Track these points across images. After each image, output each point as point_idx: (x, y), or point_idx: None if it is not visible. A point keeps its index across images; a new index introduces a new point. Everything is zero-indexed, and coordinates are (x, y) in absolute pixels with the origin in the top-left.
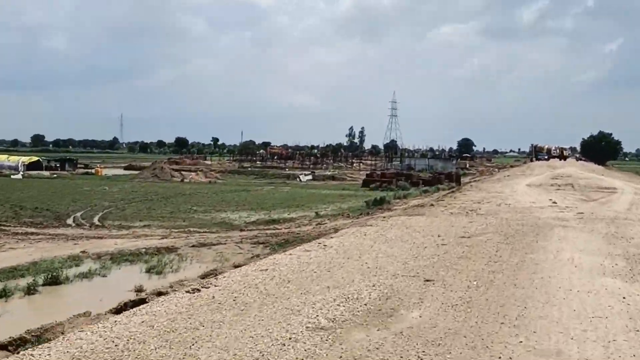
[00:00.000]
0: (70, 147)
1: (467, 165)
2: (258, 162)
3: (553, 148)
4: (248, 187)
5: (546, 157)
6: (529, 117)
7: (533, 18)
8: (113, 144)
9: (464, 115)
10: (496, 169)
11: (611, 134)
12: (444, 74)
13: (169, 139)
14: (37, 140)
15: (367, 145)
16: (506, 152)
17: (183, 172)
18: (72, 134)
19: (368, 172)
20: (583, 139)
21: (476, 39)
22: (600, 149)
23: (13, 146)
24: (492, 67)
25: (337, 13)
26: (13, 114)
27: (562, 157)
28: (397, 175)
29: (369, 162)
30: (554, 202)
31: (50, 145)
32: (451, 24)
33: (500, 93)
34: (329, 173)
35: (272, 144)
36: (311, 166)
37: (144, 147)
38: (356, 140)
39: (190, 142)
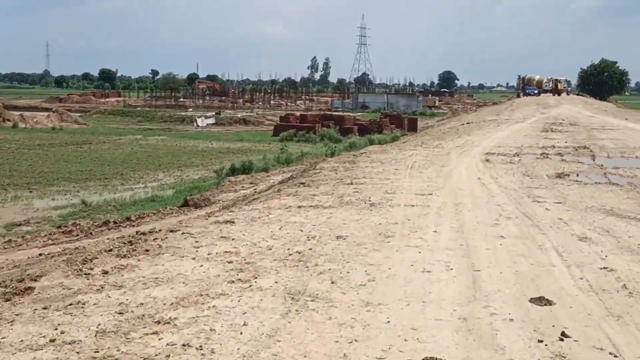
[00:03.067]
0: None
1: (436, 103)
2: (182, 100)
3: (545, 80)
4: (107, 135)
5: (536, 91)
6: (521, 47)
7: None
8: (42, 78)
9: (449, 46)
10: (473, 107)
11: (616, 63)
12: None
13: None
14: None
15: (332, 79)
16: (493, 87)
17: (25, 114)
18: (20, 67)
19: (283, 115)
20: (582, 69)
21: None
22: (602, 82)
23: None
24: None
25: None
26: None
27: (556, 91)
28: (324, 119)
29: (324, 98)
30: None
31: None
32: None
33: (489, 20)
34: (240, 115)
35: (225, 77)
36: (245, 104)
37: (59, 81)
38: (319, 73)
39: (122, 75)
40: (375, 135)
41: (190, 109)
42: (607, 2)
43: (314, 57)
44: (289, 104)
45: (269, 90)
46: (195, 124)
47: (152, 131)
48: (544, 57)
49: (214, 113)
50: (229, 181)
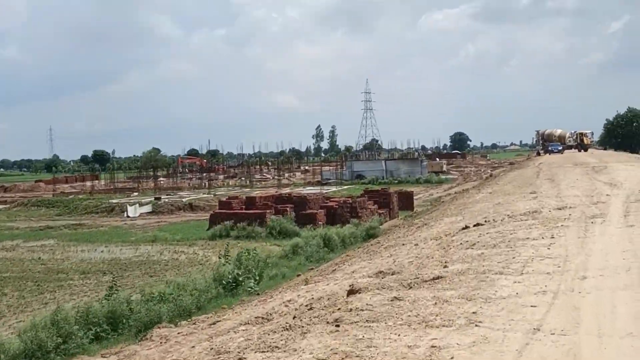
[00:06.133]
0: (2, 169)
1: (444, 167)
2: (161, 179)
3: (568, 134)
4: None
5: (560, 147)
6: (532, 106)
7: None
8: (50, 163)
9: (459, 107)
10: (488, 171)
11: None
12: (439, 65)
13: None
14: None
15: (341, 147)
16: (507, 146)
17: None
18: (30, 153)
19: (225, 199)
20: (607, 120)
21: (470, 24)
22: (632, 133)
23: None
24: (490, 54)
25: (319, 4)
26: None
27: (582, 146)
28: (279, 202)
29: (325, 167)
30: None
31: None
32: (441, 9)
33: (499, 82)
34: (186, 200)
35: (236, 151)
36: (226, 180)
37: (49, 166)
38: (325, 141)
39: (117, 156)
40: (336, 229)
41: (136, 193)
42: (615, 56)
43: (318, 125)
44: (275, 177)
45: (269, 162)
46: (125, 214)
47: (53, 230)
48: (557, 113)
49: (152, 199)
50: None
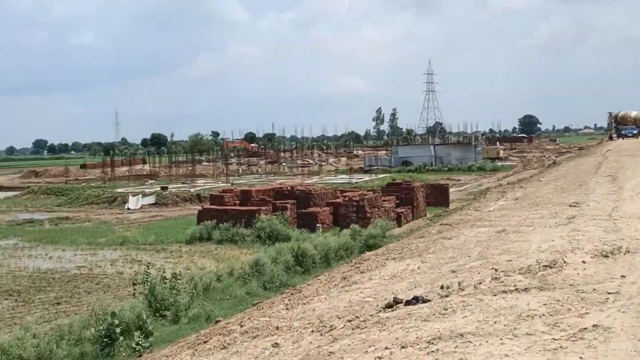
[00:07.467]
0: (73, 152)
1: (500, 153)
2: (204, 163)
3: None
4: None
5: (635, 131)
6: (609, 87)
7: None
8: (109, 147)
9: (533, 91)
10: (553, 157)
11: None
12: (509, 45)
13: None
14: (39, 145)
15: (403, 130)
16: (580, 130)
17: None
18: (100, 136)
19: (219, 191)
20: None
21: (544, 3)
22: None
23: (9, 153)
24: (565, 34)
25: None
26: (42, 118)
27: None
28: (278, 197)
29: (381, 151)
30: None
31: (45, 152)
32: None
33: (574, 62)
34: (194, 190)
35: (300, 135)
36: (261, 165)
37: (107, 149)
38: (386, 124)
39: (175, 139)
40: (323, 238)
41: (151, 181)
42: None
43: (379, 108)
44: (319, 162)
45: (323, 147)
46: (126, 206)
47: (32, 225)
48: (635, 94)
49: (157, 189)
50: None
